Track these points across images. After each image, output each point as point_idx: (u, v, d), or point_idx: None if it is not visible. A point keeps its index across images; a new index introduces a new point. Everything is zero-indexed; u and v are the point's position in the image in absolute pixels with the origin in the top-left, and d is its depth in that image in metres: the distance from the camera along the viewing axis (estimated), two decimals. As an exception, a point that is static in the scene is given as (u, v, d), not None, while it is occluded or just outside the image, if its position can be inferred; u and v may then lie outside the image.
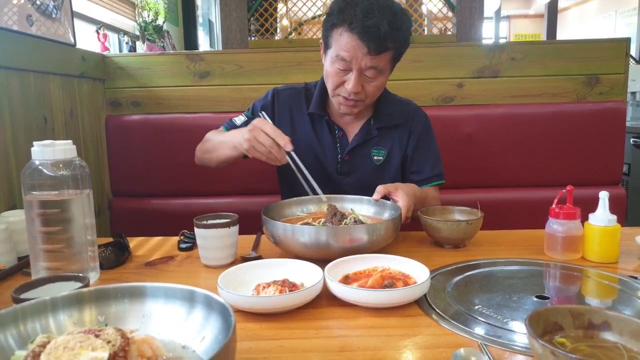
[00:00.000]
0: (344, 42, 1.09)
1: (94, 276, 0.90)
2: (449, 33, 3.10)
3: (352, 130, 1.28)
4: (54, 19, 1.51)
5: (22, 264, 0.97)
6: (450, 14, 3.12)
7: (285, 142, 1.02)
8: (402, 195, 1.06)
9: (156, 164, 1.71)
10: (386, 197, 1.09)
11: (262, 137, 1.03)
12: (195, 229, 0.97)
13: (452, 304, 0.76)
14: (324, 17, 1.16)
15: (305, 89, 1.33)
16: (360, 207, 1.13)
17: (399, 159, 1.29)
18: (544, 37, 7.21)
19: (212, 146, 1.24)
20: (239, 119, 1.31)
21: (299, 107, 1.30)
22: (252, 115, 1.31)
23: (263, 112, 1.22)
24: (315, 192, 1.13)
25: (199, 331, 0.58)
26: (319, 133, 1.28)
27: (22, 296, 0.65)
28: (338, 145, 1.28)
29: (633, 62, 4.94)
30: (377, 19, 1.06)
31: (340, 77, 1.14)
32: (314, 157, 1.28)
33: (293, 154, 1.07)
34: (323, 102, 1.28)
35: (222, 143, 1.19)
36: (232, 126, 1.31)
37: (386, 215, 1.08)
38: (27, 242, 0.86)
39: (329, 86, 1.19)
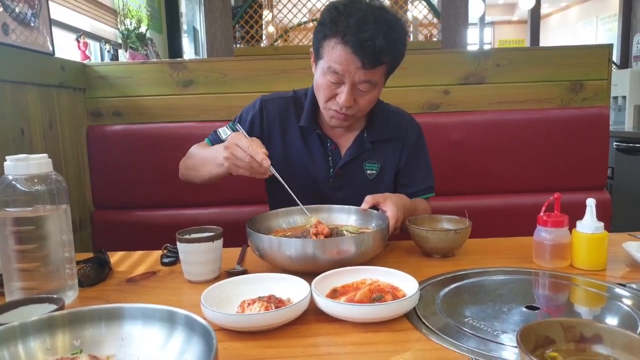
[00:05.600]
0: (336, 55, 1.05)
1: (72, 295, 0.87)
2: (435, 39, 3.12)
3: (345, 142, 1.24)
4: (32, 27, 1.48)
5: (-4, 284, 0.93)
6: (435, 20, 3.14)
7: (261, 158, 0.97)
8: (391, 205, 1.04)
9: (139, 175, 1.68)
10: (375, 207, 1.08)
11: (239, 153, 0.99)
12: (178, 244, 0.94)
13: (442, 317, 0.75)
14: (315, 26, 1.11)
15: (294, 98, 1.27)
16: (347, 217, 1.11)
17: (393, 172, 1.26)
18: (527, 43, 7.32)
19: (196, 163, 1.18)
20: (224, 132, 1.24)
21: (288, 118, 1.25)
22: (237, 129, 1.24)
23: (238, 125, 1.15)
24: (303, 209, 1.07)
25: (179, 355, 0.55)
26: (310, 146, 1.24)
27: (-8, 321, 0.62)
28: (330, 159, 1.23)
29: (615, 67, 5.04)
30: (372, 32, 1.01)
31: (332, 90, 1.10)
32: (305, 171, 1.23)
33: (272, 169, 1.01)
34: (314, 115, 1.23)
35: (205, 160, 1.14)
36: (217, 139, 1.24)
37: (373, 225, 1.06)
38: (1, 261, 0.83)
39: (320, 99, 1.14)
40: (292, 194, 1.05)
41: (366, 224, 1.09)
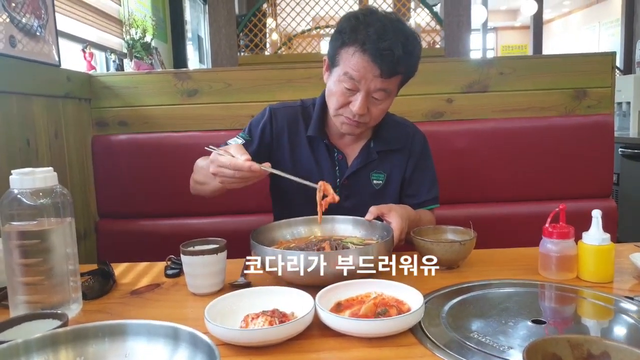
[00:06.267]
0: (354, 62, 1.06)
1: (76, 307, 0.87)
2: (438, 46, 3.12)
3: (352, 152, 1.25)
4: (38, 38, 1.49)
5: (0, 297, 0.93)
6: (438, 27, 3.15)
7: (247, 166, 0.93)
8: (395, 217, 1.03)
9: (144, 184, 1.68)
10: (379, 217, 1.07)
11: (226, 172, 0.96)
12: (182, 256, 0.94)
13: (447, 331, 0.74)
14: (332, 34, 1.12)
15: (302, 107, 1.28)
16: (351, 228, 1.11)
17: (398, 182, 1.26)
18: (530, 48, 7.32)
19: (201, 177, 1.17)
20: (235, 142, 1.22)
21: (296, 127, 1.25)
22: (249, 137, 1.25)
23: (211, 147, 1.04)
24: (307, 185, 1.03)
25: (183, 372, 0.55)
26: (318, 156, 1.24)
27: (-4, 337, 0.62)
28: (337, 168, 1.23)
29: (618, 72, 5.02)
30: (391, 41, 1.03)
31: (346, 97, 1.10)
32: (312, 180, 1.23)
33: (266, 168, 0.97)
34: (322, 124, 1.24)
35: (209, 176, 1.10)
36: None
37: (378, 236, 1.06)
38: (5, 274, 0.83)
39: (332, 105, 1.14)
40: (298, 179, 1.00)
41: (370, 235, 1.08)
